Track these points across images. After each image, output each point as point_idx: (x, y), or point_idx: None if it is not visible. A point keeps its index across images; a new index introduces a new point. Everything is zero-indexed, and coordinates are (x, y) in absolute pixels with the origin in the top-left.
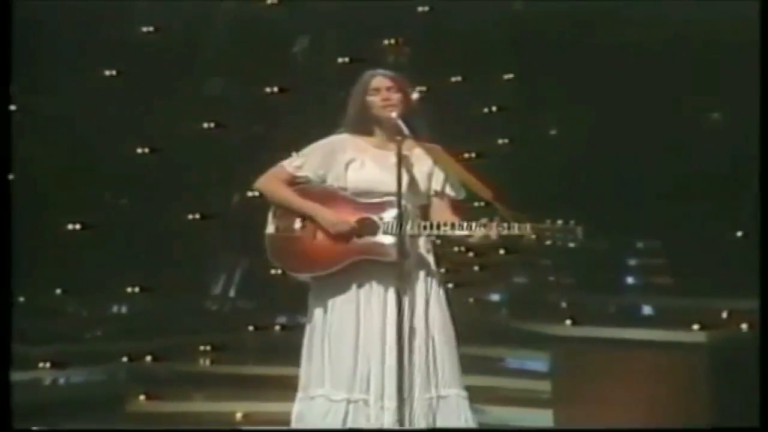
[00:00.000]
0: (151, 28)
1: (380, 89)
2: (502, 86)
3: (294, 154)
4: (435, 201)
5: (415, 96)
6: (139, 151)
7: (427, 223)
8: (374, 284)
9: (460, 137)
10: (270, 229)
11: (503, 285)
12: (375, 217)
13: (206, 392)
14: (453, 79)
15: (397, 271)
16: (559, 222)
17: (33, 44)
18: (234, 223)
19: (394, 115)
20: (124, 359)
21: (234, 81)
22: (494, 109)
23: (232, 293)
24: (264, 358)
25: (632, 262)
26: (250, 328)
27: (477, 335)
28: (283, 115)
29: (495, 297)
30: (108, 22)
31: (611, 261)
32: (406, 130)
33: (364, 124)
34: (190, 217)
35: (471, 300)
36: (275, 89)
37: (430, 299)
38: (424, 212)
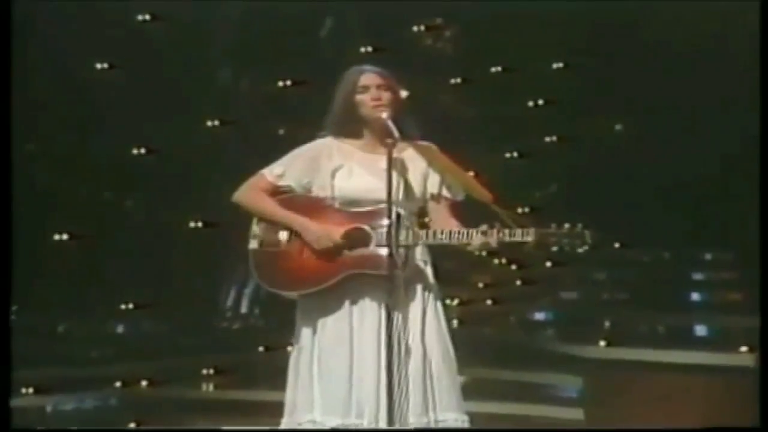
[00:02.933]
0: (147, 17)
1: (370, 87)
2: (550, 76)
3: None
4: (432, 205)
5: (404, 95)
6: (136, 151)
7: (422, 232)
8: (368, 300)
9: (500, 134)
10: (253, 243)
11: (549, 302)
12: (366, 228)
13: (208, 420)
14: (493, 69)
15: (388, 285)
16: (566, 226)
17: (29, 38)
18: (245, 230)
19: (384, 115)
20: (118, 384)
21: (245, 73)
22: (541, 102)
23: (243, 309)
24: (277, 383)
25: (698, 276)
26: (261, 348)
27: (519, 359)
28: (301, 111)
29: (539, 316)
30: (102, 8)
31: (675, 275)
32: (396, 133)
33: (351, 126)
34: (194, 224)
35: (512, 319)
36: (288, 82)
37: (426, 315)
38: (422, 218)
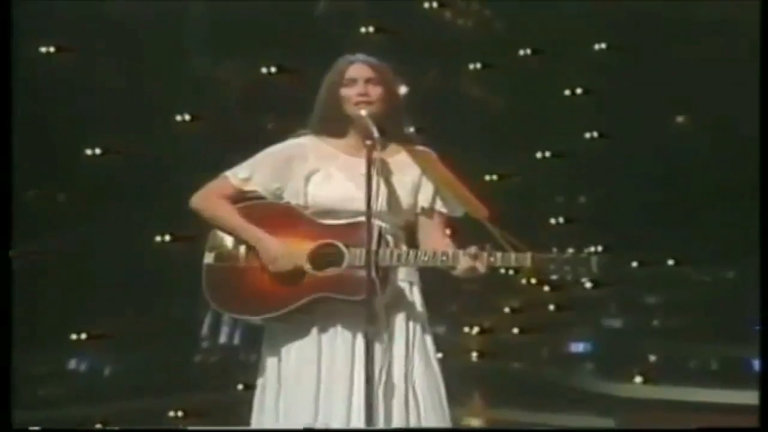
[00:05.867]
0: None
1: (357, 80)
2: (590, 60)
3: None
4: (423, 220)
5: (402, 91)
6: (89, 152)
7: (403, 251)
8: (340, 328)
9: (529, 131)
10: (208, 258)
11: (588, 331)
12: (339, 244)
13: None
14: (521, 51)
15: (366, 312)
16: (570, 250)
17: None
18: None
19: (363, 113)
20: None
21: (223, 59)
22: (579, 91)
23: (221, 338)
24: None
25: None
26: (240, 386)
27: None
28: (290, 103)
29: (576, 347)
30: None
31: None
32: (375, 133)
33: (334, 124)
34: (160, 238)
35: (544, 351)
36: (273, 69)
37: (412, 348)
38: (410, 235)
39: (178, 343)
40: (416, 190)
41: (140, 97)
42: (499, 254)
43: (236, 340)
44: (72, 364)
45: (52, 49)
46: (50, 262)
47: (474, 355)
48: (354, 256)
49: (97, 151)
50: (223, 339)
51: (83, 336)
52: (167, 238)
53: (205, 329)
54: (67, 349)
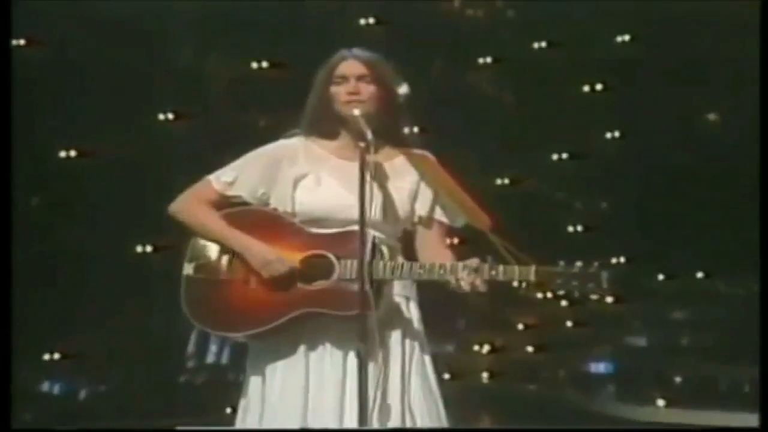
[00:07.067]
0: None
1: (348, 77)
2: (612, 53)
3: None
4: (420, 230)
5: (402, 90)
6: (64, 154)
7: (398, 264)
8: (329, 346)
9: (544, 130)
10: (187, 269)
11: (610, 350)
12: (329, 255)
13: None
14: (536, 44)
15: (358, 328)
16: (578, 264)
17: None
18: None
19: (356, 112)
20: None
21: (210, 52)
22: (599, 87)
23: (209, 358)
24: None
25: None
26: (228, 410)
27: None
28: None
29: (597, 368)
30: None
31: None
32: (369, 134)
33: (325, 124)
34: (141, 249)
35: (561, 372)
36: (264, 64)
37: (409, 370)
38: (406, 246)
39: (162, 363)
40: (414, 197)
41: (118, 94)
42: (501, 267)
43: (225, 359)
44: (44, 386)
45: (22, 42)
46: (19, 273)
47: (484, 375)
48: (345, 269)
49: (72, 153)
50: (210, 358)
51: (56, 356)
52: (149, 248)
53: (191, 347)
54: (38, 371)
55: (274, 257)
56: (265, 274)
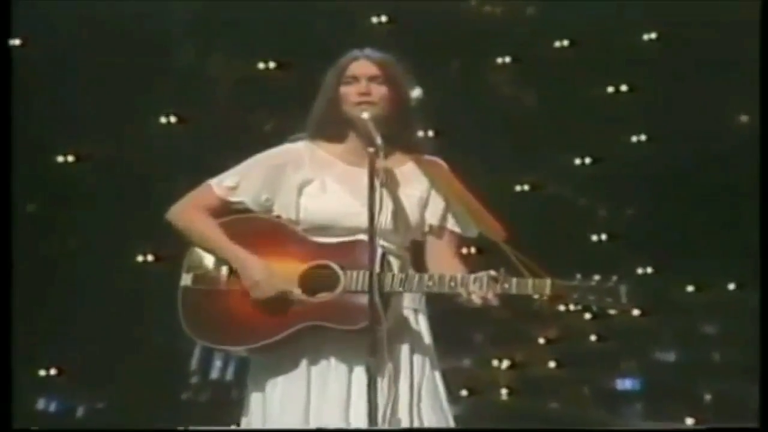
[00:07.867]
0: None
1: (359, 78)
2: (638, 52)
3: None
4: (431, 240)
5: (415, 94)
6: (61, 159)
7: (405, 276)
8: (333, 361)
9: (566, 133)
10: (185, 279)
11: (637, 366)
12: (334, 266)
13: None
14: (557, 43)
15: (368, 342)
16: (596, 278)
17: None
18: None
19: (365, 115)
20: None
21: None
22: (624, 88)
23: (213, 374)
24: None
25: None
26: (233, 427)
27: None
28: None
29: (623, 384)
30: None
31: None
32: (378, 139)
33: (333, 127)
34: (143, 258)
35: (585, 389)
36: (271, 65)
37: (419, 386)
38: (415, 256)
39: (163, 379)
40: (424, 206)
41: (119, 96)
42: (514, 280)
43: (229, 375)
44: (41, 403)
45: (17, 42)
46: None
47: (504, 392)
48: (351, 280)
49: (70, 158)
50: (214, 374)
51: (53, 371)
52: (150, 258)
53: (194, 363)
54: (34, 387)
55: (264, 278)
56: (252, 295)
